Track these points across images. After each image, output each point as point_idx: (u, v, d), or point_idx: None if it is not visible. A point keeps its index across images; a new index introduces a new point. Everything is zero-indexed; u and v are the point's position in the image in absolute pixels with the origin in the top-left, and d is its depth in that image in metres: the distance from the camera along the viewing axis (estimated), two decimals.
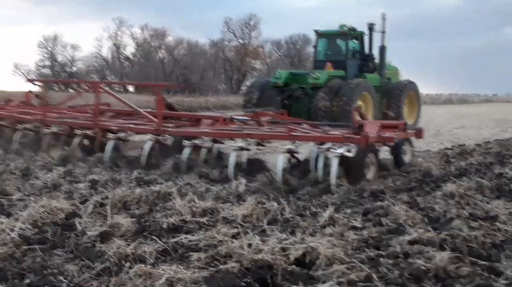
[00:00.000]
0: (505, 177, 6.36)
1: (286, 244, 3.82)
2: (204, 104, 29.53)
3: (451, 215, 4.75)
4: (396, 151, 7.71)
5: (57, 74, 46.72)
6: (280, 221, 4.74)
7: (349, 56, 17.06)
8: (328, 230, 4.35)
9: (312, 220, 4.73)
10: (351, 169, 6.51)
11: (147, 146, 7.68)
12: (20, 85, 64.97)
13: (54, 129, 8.96)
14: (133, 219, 4.55)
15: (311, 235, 4.19)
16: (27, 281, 3.33)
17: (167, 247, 3.89)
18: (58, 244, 4.00)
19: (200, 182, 6.27)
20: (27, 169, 7.03)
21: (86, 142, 8.75)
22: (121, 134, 8.30)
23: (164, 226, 4.45)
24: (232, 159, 6.91)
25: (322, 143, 6.75)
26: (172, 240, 4.06)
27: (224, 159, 7.62)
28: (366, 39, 17.41)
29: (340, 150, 6.39)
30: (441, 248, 3.85)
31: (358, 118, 7.38)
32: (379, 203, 5.27)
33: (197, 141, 7.49)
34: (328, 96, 15.31)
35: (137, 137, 9.02)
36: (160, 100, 8.75)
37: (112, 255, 3.68)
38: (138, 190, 5.48)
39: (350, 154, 6.40)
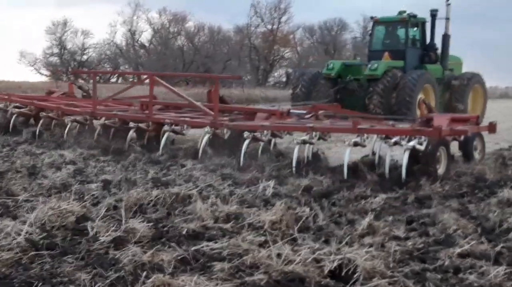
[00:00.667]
0: None
1: (320, 254, 3.83)
2: (227, 97, 29.45)
3: (507, 225, 4.69)
4: (467, 146, 7.93)
5: (66, 63, 47.47)
6: (312, 229, 4.75)
7: (409, 45, 17.00)
8: (367, 239, 4.35)
9: (349, 228, 4.73)
10: (422, 163, 6.81)
11: (205, 139, 8.26)
12: (27, 75, 66.07)
13: (104, 121, 9.71)
14: (150, 224, 4.62)
15: (348, 245, 4.19)
16: None
17: (187, 256, 3.93)
18: (68, 250, 4.08)
19: (223, 184, 6.31)
20: (33, 168, 7.18)
21: (134, 135, 9.36)
22: (176, 127, 8.92)
23: (184, 232, 4.50)
24: (295, 153, 7.30)
25: (388, 137, 7.09)
26: (193, 248, 4.10)
27: (283, 153, 8.21)
28: (427, 26, 17.33)
29: (412, 143, 6.72)
30: (497, 262, 3.82)
31: (425, 111, 7.53)
32: (425, 211, 5.25)
33: (256, 134, 7.96)
34: (386, 89, 15.34)
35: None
36: (216, 93, 9.30)
37: (127, 263, 3.75)
38: (155, 192, 5.55)
39: (421, 147, 6.71)
